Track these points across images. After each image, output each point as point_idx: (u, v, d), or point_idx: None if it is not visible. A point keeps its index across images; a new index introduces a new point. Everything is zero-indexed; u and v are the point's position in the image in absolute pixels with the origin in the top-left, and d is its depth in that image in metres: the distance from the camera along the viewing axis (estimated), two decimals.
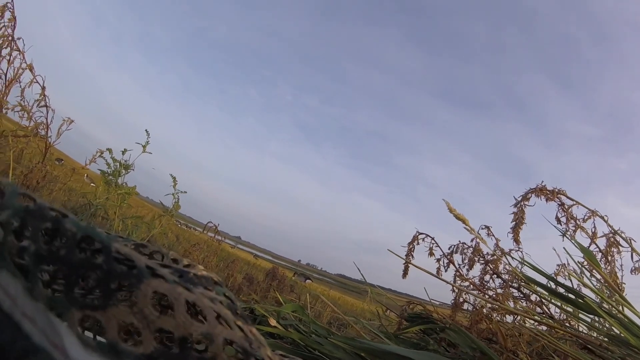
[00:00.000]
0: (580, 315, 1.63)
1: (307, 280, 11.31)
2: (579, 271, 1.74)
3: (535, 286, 1.71)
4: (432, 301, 2.22)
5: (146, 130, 2.56)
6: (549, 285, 1.69)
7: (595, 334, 1.64)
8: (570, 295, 1.53)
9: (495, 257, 2.22)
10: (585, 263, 1.72)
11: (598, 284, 1.74)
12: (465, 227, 1.80)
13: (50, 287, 0.45)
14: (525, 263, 1.86)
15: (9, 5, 2.17)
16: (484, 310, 1.88)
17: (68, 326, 0.36)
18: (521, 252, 2.23)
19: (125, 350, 0.37)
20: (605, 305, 1.49)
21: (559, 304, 1.67)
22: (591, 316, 1.56)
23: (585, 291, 1.56)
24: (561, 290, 1.65)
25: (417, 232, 2.24)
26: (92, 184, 6.75)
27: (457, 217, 1.75)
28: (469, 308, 2.16)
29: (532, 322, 1.78)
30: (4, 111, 2.26)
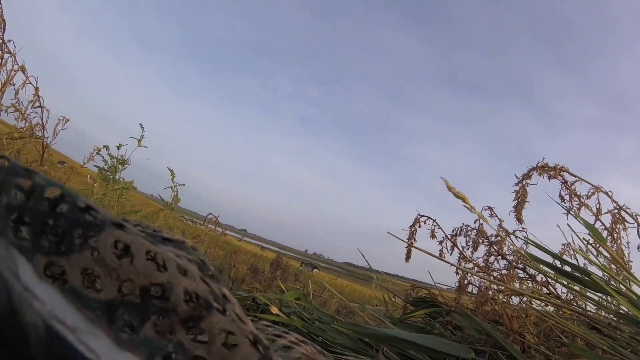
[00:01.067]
0: (588, 294, 1.60)
1: (315, 270, 11.35)
2: (584, 249, 1.71)
3: (541, 265, 1.68)
4: (437, 285, 2.20)
5: (140, 124, 2.58)
6: (554, 264, 1.66)
7: (603, 313, 1.61)
8: (577, 274, 1.50)
9: (499, 237, 2.19)
10: (591, 240, 1.69)
11: (605, 261, 1.70)
12: (465, 205, 1.76)
13: (20, 233, 0.45)
14: (530, 242, 1.83)
15: None
16: (489, 292, 1.86)
17: (33, 270, 0.38)
18: (525, 232, 2.21)
19: (87, 295, 0.38)
20: (613, 282, 1.46)
21: (565, 282, 1.64)
22: (599, 295, 1.53)
23: (592, 269, 1.53)
24: (567, 269, 1.62)
25: (419, 214, 2.21)
26: (95, 185, 6.76)
27: (457, 196, 1.71)
28: (474, 290, 2.14)
29: (538, 302, 1.75)
30: None
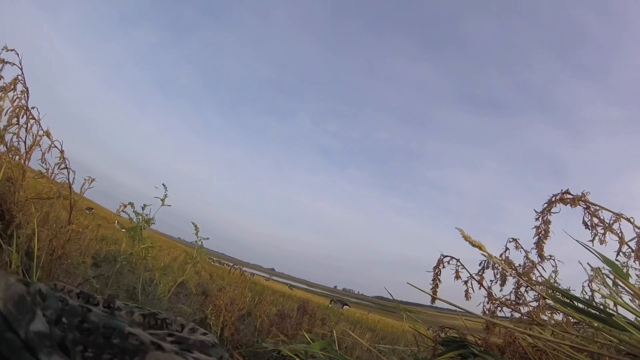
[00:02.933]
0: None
1: (345, 306, 11.23)
2: (609, 283, 1.69)
3: (564, 306, 1.66)
4: (466, 316, 2.17)
5: (163, 184, 2.70)
6: (577, 305, 1.64)
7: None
8: (598, 313, 1.49)
9: (525, 270, 2.18)
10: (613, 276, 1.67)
11: (629, 296, 1.68)
12: (482, 254, 1.77)
13: None
14: (551, 287, 1.82)
15: (19, 77, 2.29)
16: (517, 331, 1.84)
17: None
18: (553, 260, 2.18)
19: None
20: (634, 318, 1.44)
21: (593, 323, 1.62)
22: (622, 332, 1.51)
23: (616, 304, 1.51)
24: (591, 308, 1.60)
25: (442, 255, 2.21)
26: (122, 230, 6.94)
27: (473, 245, 1.72)
28: (505, 325, 2.11)
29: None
30: (26, 177, 2.36)
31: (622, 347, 1.38)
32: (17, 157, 2.38)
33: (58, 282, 0.87)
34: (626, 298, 1.56)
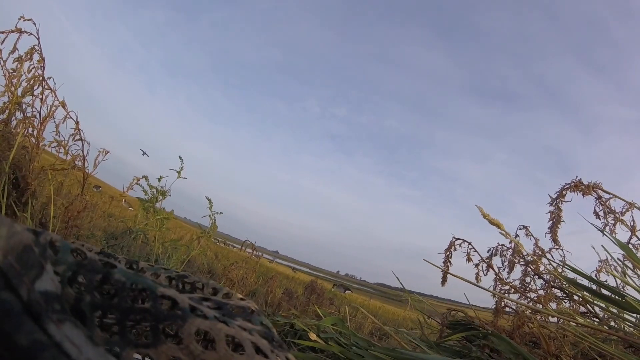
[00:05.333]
0: (625, 314, 1.59)
1: (347, 291, 11.28)
2: (619, 268, 1.70)
3: (576, 288, 1.68)
4: (472, 306, 2.19)
5: (179, 156, 2.70)
6: (589, 287, 1.65)
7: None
8: (612, 295, 1.50)
9: (535, 257, 2.19)
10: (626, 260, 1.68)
11: None
12: (500, 232, 1.78)
13: (107, 331, 0.52)
14: (566, 266, 1.83)
15: (36, 47, 2.29)
16: (526, 314, 1.85)
17: None
18: (562, 250, 2.19)
19: None
20: None
21: (602, 305, 1.63)
22: (634, 315, 1.52)
23: (628, 288, 1.52)
24: (605, 289, 1.61)
25: (454, 237, 2.22)
26: (130, 208, 6.96)
27: (492, 222, 1.73)
28: (512, 310, 2.13)
29: (575, 322, 1.74)
30: (41, 147, 2.38)
31: (633, 332, 1.39)
32: (31, 129, 2.39)
33: (75, 242, 0.65)
34: (638, 282, 1.57)
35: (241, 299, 0.61)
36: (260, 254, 3.75)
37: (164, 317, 0.44)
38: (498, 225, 1.73)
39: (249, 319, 0.55)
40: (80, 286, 0.45)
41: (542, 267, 2.14)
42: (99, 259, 0.48)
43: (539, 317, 1.87)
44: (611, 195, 2.05)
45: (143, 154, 2.87)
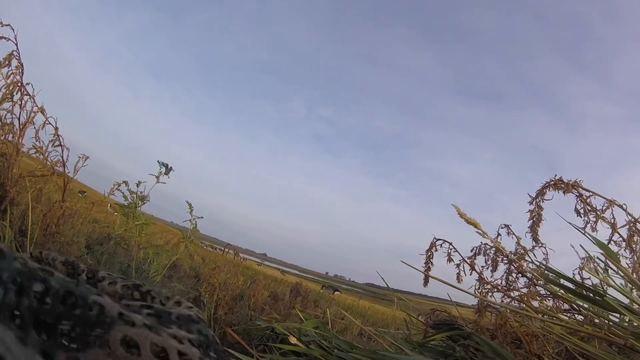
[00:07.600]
0: (607, 312, 1.60)
1: (336, 292, 11.33)
2: (601, 266, 1.71)
3: (557, 288, 1.69)
4: (456, 305, 2.20)
5: (158, 161, 2.68)
6: (569, 287, 1.66)
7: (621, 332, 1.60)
8: (591, 295, 1.50)
9: (517, 255, 2.20)
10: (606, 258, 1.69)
11: (621, 279, 1.70)
12: (477, 232, 1.78)
13: (42, 335, 0.53)
14: (546, 267, 1.84)
15: (14, 53, 2.27)
16: (508, 313, 1.86)
17: None
18: (545, 248, 2.20)
19: None
20: (628, 301, 1.46)
21: (583, 304, 1.64)
22: (615, 314, 1.53)
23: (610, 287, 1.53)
24: (584, 288, 1.62)
25: (435, 238, 2.23)
26: (115, 213, 6.91)
27: (468, 222, 1.74)
28: (496, 308, 2.13)
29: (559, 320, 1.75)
30: (21, 153, 2.35)
31: (613, 330, 1.40)
32: (10, 136, 2.36)
33: (44, 251, 0.77)
34: (618, 281, 1.58)
35: (188, 307, 0.65)
36: (244, 257, 3.73)
37: (92, 323, 0.48)
38: (475, 225, 1.74)
39: (187, 327, 0.57)
40: (22, 292, 0.49)
41: (525, 265, 2.15)
42: (39, 267, 0.51)
43: (520, 317, 1.87)
44: (591, 193, 2.06)
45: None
